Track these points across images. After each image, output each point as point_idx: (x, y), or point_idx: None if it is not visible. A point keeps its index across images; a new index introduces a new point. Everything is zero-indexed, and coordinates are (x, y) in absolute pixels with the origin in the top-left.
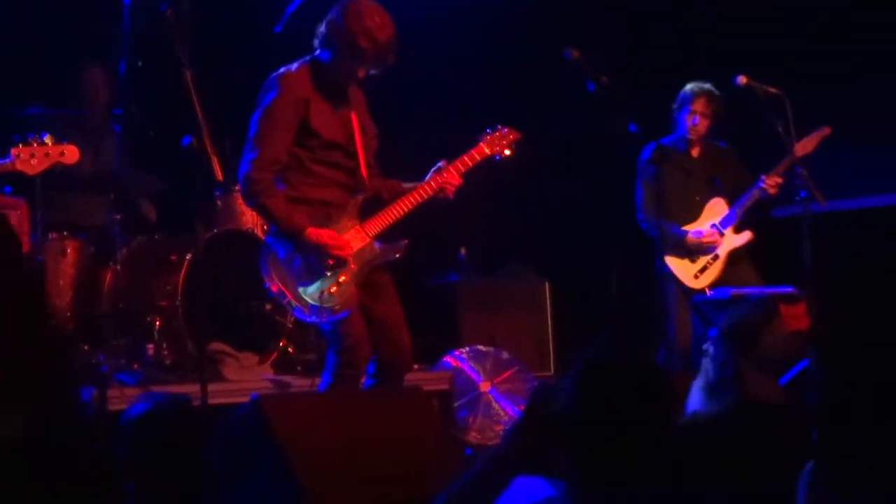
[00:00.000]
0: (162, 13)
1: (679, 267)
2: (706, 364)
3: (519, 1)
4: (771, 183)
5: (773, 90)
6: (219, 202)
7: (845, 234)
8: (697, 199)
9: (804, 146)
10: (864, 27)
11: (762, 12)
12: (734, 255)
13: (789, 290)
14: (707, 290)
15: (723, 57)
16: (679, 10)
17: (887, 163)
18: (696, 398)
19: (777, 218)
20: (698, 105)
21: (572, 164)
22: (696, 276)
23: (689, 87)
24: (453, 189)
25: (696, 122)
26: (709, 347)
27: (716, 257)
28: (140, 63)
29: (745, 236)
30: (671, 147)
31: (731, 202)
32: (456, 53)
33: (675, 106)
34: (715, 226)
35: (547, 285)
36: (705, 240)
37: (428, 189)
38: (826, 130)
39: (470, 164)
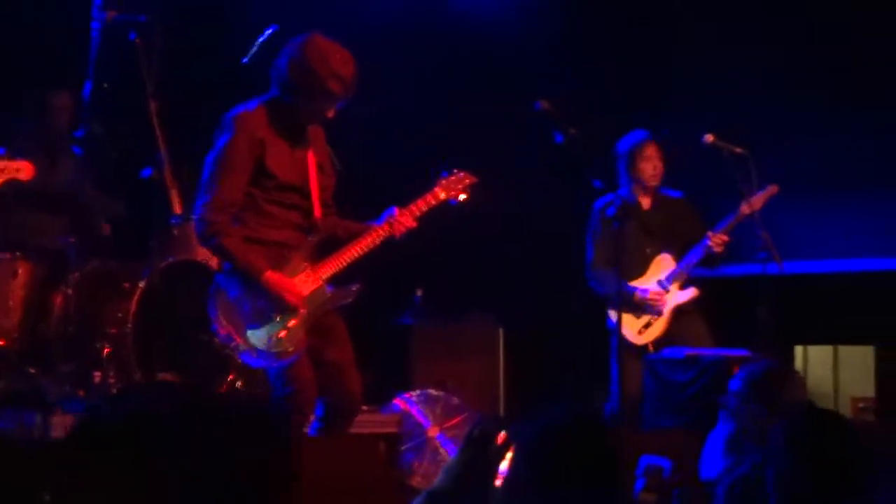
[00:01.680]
0: (131, 41)
1: (624, 322)
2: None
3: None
4: (717, 241)
5: (738, 150)
6: (175, 231)
7: (804, 296)
8: (648, 251)
9: (752, 204)
10: None
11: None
12: (680, 311)
13: (744, 353)
14: (650, 347)
15: (680, 107)
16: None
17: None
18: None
19: (733, 276)
20: (651, 150)
21: (532, 210)
22: (639, 332)
23: (633, 135)
24: (404, 231)
25: (656, 169)
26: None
27: (659, 313)
28: (105, 86)
29: (690, 293)
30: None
31: (681, 256)
32: (415, 92)
33: (620, 157)
34: (661, 282)
35: (501, 331)
36: (650, 298)
37: (380, 233)
38: (774, 189)
39: (424, 208)
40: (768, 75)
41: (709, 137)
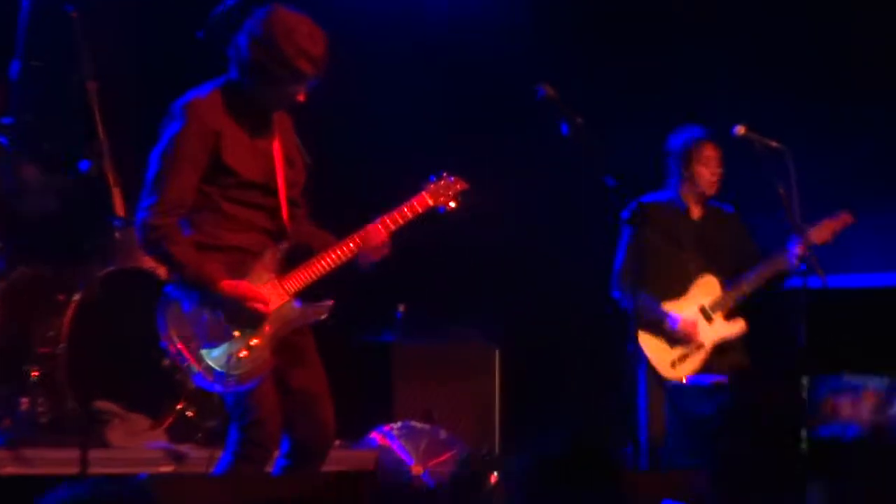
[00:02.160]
0: (67, 13)
1: (654, 350)
2: None
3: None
4: (800, 251)
5: (774, 143)
6: (117, 235)
7: (846, 313)
8: (691, 268)
9: (821, 233)
10: None
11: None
12: (724, 345)
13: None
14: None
15: (715, 99)
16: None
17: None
18: None
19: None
20: (710, 152)
21: (534, 214)
22: (672, 365)
23: (690, 131)
24: (377, 248)
25: (714, 175)
26: None
27: (699, 347)
28: (36, 64)
29: (738, 327)
30: (664, 205)
31: (727, 281)
32: (407, 83)
33: (673, 155)
34: (703, 309)
35: (497, 353)
36: (680, 330)
37: (351, 247)
38: (847, 218)
39: (409, 215)
40: (801, 72)
41: (740, 129)
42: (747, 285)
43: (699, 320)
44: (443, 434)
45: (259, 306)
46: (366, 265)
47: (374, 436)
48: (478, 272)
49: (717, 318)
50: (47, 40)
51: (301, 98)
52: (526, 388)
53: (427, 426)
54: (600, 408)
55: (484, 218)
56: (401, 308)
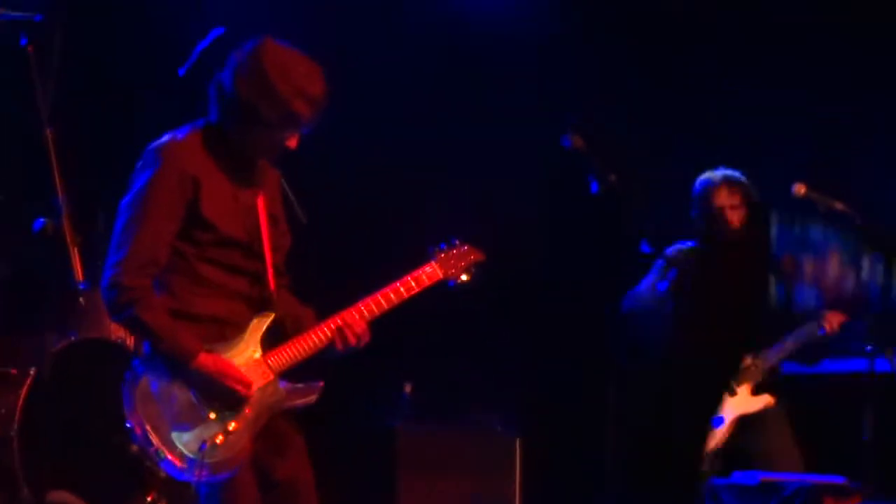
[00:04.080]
0: (22, 48)
1: None
2: None
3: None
4: (835, 321)
5: (839, 205)
6: (81, 300)
7: None
8: None
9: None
10: None
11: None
12: (751, 420)
13: (839, 480)
14: (705, 464)
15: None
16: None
17: None
18: None
19: (826, 374)
20: (721, 197)
21: (561, 282)
22: None
23: (706, 176)
24: (355, 336)
25: (727, 219)
26: None
27: (719, 420)
28: None
29: (763, 401)
30: (686, 254)
31: (755, 347)
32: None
33: (693, 201)
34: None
35: (518, 442)
36: None
37: (327, 333)
38: None
39: (416, 288)
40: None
41: (800, 187)
42: (776, 356)
43: None
44: None
45: (240, 388)
46: (333, 357)
47: None
48: (495, 348)
49: (742, 390)
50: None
51: (292, 145)
52: (551, 484)
53: None
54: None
55: (503, 287)
56: (407, 388)
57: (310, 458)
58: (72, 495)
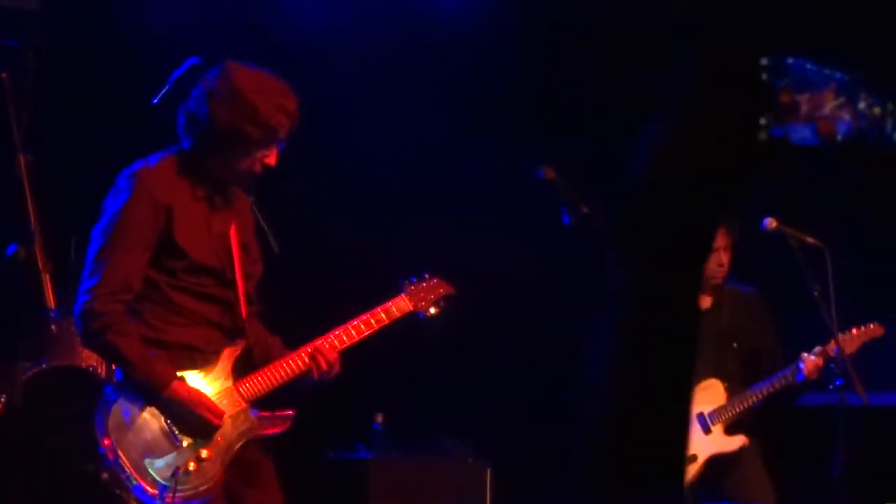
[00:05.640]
0: None
1: None
2: None
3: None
4: (813, 365)
5: (810, 240)
6: (53, 327)
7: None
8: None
9: (844, 344)
10: None
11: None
12: (722, 459)
13: None
14: None
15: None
16: None
17: None
18: None
19: (798, 409)
20: (716, 240)
21: (534, 311)
22: None
23: None
24: (327, 364)
25: (721, 262)
26: None
27: (693, 459)
28: None
29: (738, 442)
30: None
31: (734, 388)
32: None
33: None
34: (701, 417)
35: (488, 471)
36: None
37: (298, 364)
38: (878, 330)
39: (385, 320)
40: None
41: (771, 222)
42: (754, 398)
43: (695, 430)
44: None
45: (212, 417)
46: (305, 386)
47: None
48: (466, 376)
49: (717, 429)
50: None
51: (272, 162)
52: None
53: None
54: None
55: (474, 316)
56: (378, 418)
57: (282, 487)
58: None
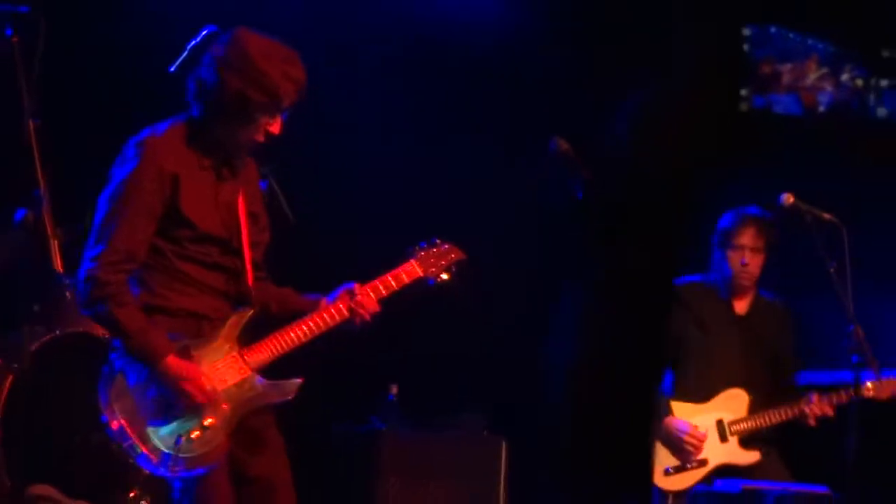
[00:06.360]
0: (7, 38)
1: (657, 449)
2: None
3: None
4: (816, 411)
5: (827, 216)
6: (67, 293)
7: None
8: (721, 374)
9: (881, 388)
10: None
11: None
12: (734, 469)
13: (821, 489)
14: (670, 498)
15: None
16: None
17: None
18: None
19: (814, 386)
20: (746, 237)
21: (550, 284)
22: (666, 473)
23: (730, 214)
24: (367, 318)
25: (744, 261)
26: None
27: (701, 463)
28: None
29: (752, 457)
30: (702, 289)
31: (758, 402)
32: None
33: (715, 234)
34: (721, 424)
35: (504, 444)
36: (685, 441)
37: (334, 314)
38: None
39: (395, 286)
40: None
41: (788, 197)
42: (769, 420)
43: (711, 435)
44: None
45: (197, 395)
46: (358, 328)
47: None
48: (483, 347)
49: (733, 440)
50: None
51: (275, 130)
52: (536, 486)
53: None
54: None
55: (491, 285)
56: (392, 390)
57: (294, 460)
58: (53, 489)
